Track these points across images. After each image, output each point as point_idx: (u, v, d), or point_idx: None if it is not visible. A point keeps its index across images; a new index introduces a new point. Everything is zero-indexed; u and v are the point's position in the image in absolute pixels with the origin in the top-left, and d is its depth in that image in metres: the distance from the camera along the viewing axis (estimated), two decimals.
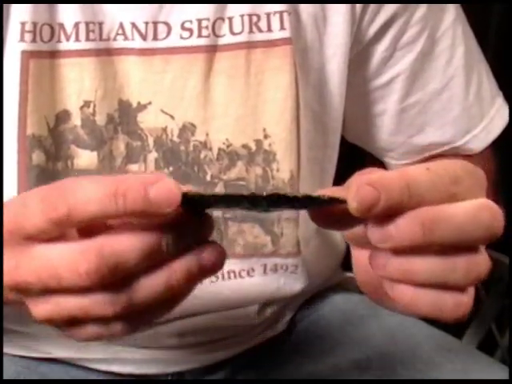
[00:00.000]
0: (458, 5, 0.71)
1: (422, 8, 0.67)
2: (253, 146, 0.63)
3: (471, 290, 0.39)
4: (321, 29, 0.65)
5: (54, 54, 0.59)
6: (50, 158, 0.60)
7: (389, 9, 0.66)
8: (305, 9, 0.64)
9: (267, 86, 0.62)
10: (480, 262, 0.38)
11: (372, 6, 0.66)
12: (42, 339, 0.68)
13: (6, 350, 0.68)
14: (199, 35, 0.61)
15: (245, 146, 0.63)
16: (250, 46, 0.62)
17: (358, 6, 0.65)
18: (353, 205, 0.36)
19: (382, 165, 0.79)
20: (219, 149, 0.62)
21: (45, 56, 0.59)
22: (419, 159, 0.75)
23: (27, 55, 0.58)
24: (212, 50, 0.62)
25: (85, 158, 0.61)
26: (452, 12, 0.70)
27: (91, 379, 0.69)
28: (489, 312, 1.09)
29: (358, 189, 0.36)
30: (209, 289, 0.65)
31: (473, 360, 0.70)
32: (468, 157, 0.75)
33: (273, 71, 0.62)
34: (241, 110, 0.62)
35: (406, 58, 0.69)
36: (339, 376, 0.69)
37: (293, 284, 0.68)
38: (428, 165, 0.38)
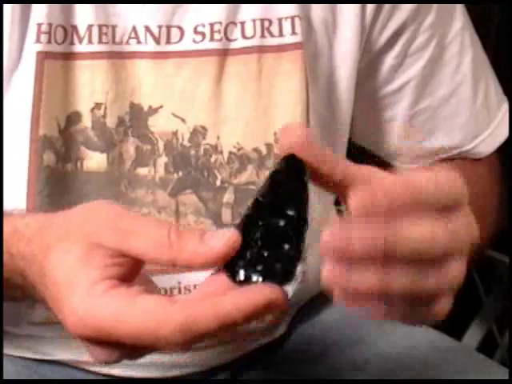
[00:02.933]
0: (464, 11, 0.71)
1: (432, 15, 0.67)
2: (264, 150, 0.63)
3: (445, 298, 0.40)
4: (331, 34, 0.65)
5: (67, 56, 0.59)
6: (59, 159, 0.60)
7: (399, 17, 0.66)
8: (316, 14, 0.64)
9: (278, 90, 0.62)
10: (450, 272, 0.39)
11: (382, 15, 0.66)
12: (42, 341, 0.67)
13: (5, 350, 0.68)
14: (211, 39, 0.61)
15: (256, 150, 0.63)
16: (261, 50, 0.62)
17: (369, 14, 0.65)
18: (355, 213, 0.38)
19: (383, 165, 0.79)
20: (230, 152, 0.62)
21: (59, 57, 0.59)
22: (428, 163, 0.75)
23: (42, 56, 0.58)
24: (224, 53, 0.61)
25: (95, 159, 0.60)
26: (460, 19, 0.70)
27: (91, 379, 0.69)
28: (489, 312, 1.09)
29: (360, 199, 0.38)
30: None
31: (471, 361, 0.70)
32: (476, 160, 0.75)
33: (284, 75, 0.62)
34: (252, 114, 0.62)
35: (415, 65, 0.69)
36: (337, 377, 0.69)
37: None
38: (431, 171, 0.39)
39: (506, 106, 0.75)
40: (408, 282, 0.38)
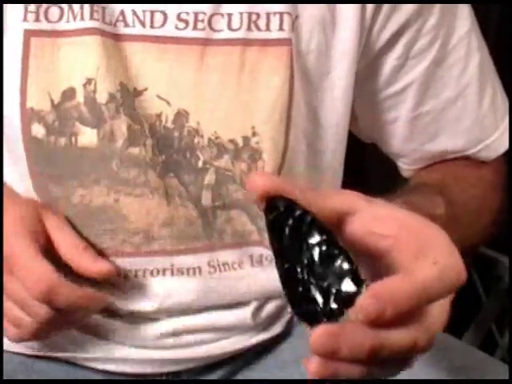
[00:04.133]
0: (472, 13, 0.70)
1: (435, 16, 0.67)
2: (240, 142, 0.63)
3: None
4: (329, 33, 0.64)
5: (57, 33, 0.60)
6: (51, 133, 0.61)
7: (399, 17, 0.66)
8: (311, 12, 0.63)
9: (260, 85, 0.62)
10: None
11: (382, 15, 0.65)
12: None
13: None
14: (194, 27, 0.61)
15: (232, 141, 0.63)
16: (246, 43, 0.62)
17: (368, 13, 0.64)
18: (358, 317, 0.37)
19: (381, 157, 0.78)
20: (209, 138, 0.63)
21: (47, 35, 0.60)
22: (431, 164, 0.75)
23: (29, 33, 0.60)
24: (205, 43, 0.61)
25: (87, 135, 0.61)
26: (467, 21, 0.69)
27: (88, 379, 0.69)
28: (489, 312, 1.09)
29: (364, 303, 0.37)
30: (209, 283, 0.65)
31: (472, 359, 0.70)
32: (480, 163, 0.74)
33: (267, 71, 0.62)
34: (231, 107, 0.62)
35: (418, 67, 0.68)
36: None
37: (276, 276, 0.67)
38: (436, 256, 0.39)
39: (507, 116, 0.74)
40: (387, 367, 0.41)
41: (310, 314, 0.39)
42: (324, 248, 0.39)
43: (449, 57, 0.69)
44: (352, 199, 0.43)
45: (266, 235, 0.68)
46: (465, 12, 0.69)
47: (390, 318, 0.37)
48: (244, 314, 0.68)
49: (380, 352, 0.38)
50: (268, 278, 0.67)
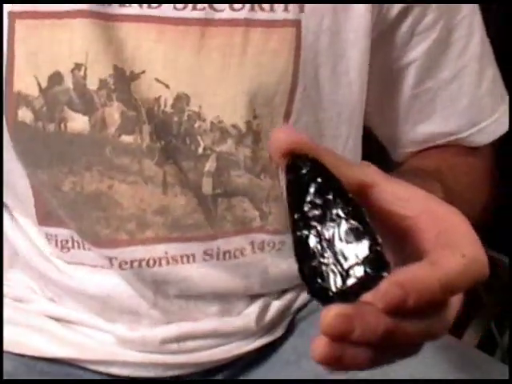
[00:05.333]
0: None
1: None
2: (243, 128, 0.61)
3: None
4: (340, 12, 0.61)
5: (44, 14, 0.57)
6: (40, 119, 0.59)
7: None
8: None
9: (263, 69, 0.59)
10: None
11: None
12: (38, 336, 0.68)
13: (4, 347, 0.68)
14: (194, 8, 0.58)
15: (234, 126, 0.61)
16: (249, 24, 0.59)
17: None
18: (378, 305, 0.34)
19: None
20: (211, 122, 0.60)
21: (32, 16, 0.57)
22: (423, 149, 0.74)
23: (14, 16, 0.57)
24: (205, 24, 0.58)
25: (78, 121, 0.59)
26: (470, 4, 0.68)
27: (90, 379, 0.69)
28: (489, 312, 1.09)
29: (386, 290, 0.34)
30: (201, 270, 0.64)
31: (472, 359, 0.70)
32: (471, 149, 0.74)
33: (271, 54, 0.59)
34: (232, 91, 0.59)
35: (421, 45, 0.67)
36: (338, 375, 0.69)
37: (279, 262, 0.67)
38: (463, 248, 0.37)
39: (507, 100, 0.74)
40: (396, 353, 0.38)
41: (324, 292, 0.35)
42: (350, 221, 0.36)
43: (450, 36, 0.68)
44: (373, 172, 0.39)
45: (269, 220, 0.66)
46: None
47: (410, 308, 0.34)
48: (248, 319, 0.68)
49: (393, 338, 0.35)
50: (271, 263, 0.66)
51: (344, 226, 0.36)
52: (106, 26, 0.57)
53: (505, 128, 0.73)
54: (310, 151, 0.37)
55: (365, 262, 0.35)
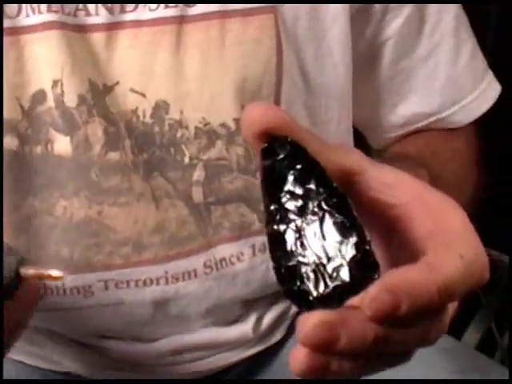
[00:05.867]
0: None
1: None
2: (232, 126, 0.58)
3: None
4: None
5: (19, 30, 0.54)
6: (25, 143, 0.55)
7: None
8: None
9: (245, 60, 0.57)
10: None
11: None
12: (50, 348, 0.67)
13: (10, 355, 0.67)
14: (166, 6, 0.55)
15: (223, 125, 0.58)
16: (224, 15, 0.56)
17: None
18: (367, 312, 0.30)
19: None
20: (196, 127, 0.57)
21: (8, 33, 0.54)
22: (403, 133, 0.72)
23: None
24: (181, 21, 0.56)
25: (61, 143, 0.56)
26: None
27: (92, 379, 0.69)
28: (488, 312, 1.09)
29: (376, 295, 0.30)
30: (205, 284, 0.62)
31: (471, 360, 0.69)
32: (452, 132, 0.71)
33: (251, 43, 0.57)
34: (216, 87, 0.57)
35: (395, 21, 0.65)
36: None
37: None
38: (461, 248, 0.33)
39: (490, 74, 0.71)
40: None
41: (303, 296, 0.31)
42: (334, 215, 0.31)
43: (422, 12, 0.66)
44: (358, 158, 0.35)
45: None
46: None
47: (403, 315, 0.30)
48: (245, 328, 0.67)
49: (384, 347, 0.31)
50: (268, 266, 0.63)
51: (328, 220, 0.31)
52: (79, 38, 0.55)
53: (487, 105, 0.71)
54: (290, 132, 0.33)
55: (351, 262, 0.31)
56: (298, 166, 0.32)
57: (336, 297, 0.31)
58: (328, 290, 0.31)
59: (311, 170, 0.32)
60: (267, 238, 0.32)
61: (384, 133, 0.73)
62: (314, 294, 0.31)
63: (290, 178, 0.32)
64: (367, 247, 0.31)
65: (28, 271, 0.36)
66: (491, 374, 0.66)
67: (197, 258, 0.61)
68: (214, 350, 0.67)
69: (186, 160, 0.58)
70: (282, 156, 0.32)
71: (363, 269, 0.31)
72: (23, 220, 0.58)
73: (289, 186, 0.32)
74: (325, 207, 0.32)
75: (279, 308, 0.70)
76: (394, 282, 0.30)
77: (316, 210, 0.32)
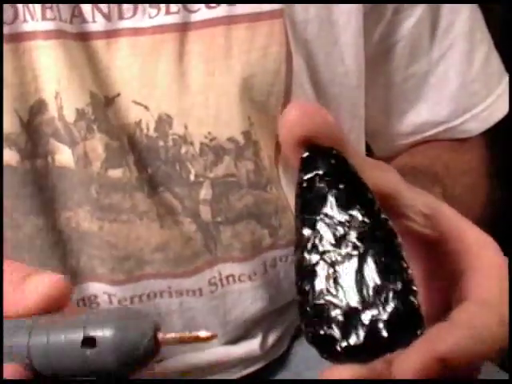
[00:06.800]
0: None
1: None
2: (241, 140, 0.55)
3: None
4: None
5: (17, 36, 0.51)
6: (25, 157, 0.53)
7: None
8: None
9: (253, 69, 0.54)
10: None
11: None
12: None
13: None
14: (167, 12, 0.52)
15: (231, 140, 0.55)
16: (230, 21, 0.53)
17: None
18: (404, 376, 0.26)
19: None
20: (201, 143, 0.54)
21: (5, 39, 0.51)
22: (409, 142, 0.69)
23: None
24: (183, 28, 0.53)
25: (64, 154, 0.53)
26: None
27: (94, 379, 0.68)
28: None
29: (423, 364, 0.26)
30: (211, 302, 0.60)
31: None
32: (463, 141, 0.69)
33: (259, 51, 0.54)
34: (222, 99, 0.54)
35: (405, 23, 0.63)
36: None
37: (292, 273, 0.64)
38: (500, 308, 0.29)
39: (506, 79, 0.69)
40: None
41: (327, 342, 0.26)
42: (377, 252, 0.26)
43: (435, 13, 0.64)
44: (394, 179, 0.31)
45: (279, 234, 0.59)
46: None
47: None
48: (252, 346, 0.65)
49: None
50: (284, 277, 0.61)
51: (370, 257, 0.26)
52: (79, 47, 0.52)
53: (500, 114, 0.68)
54: (335, 142, 0.28)
55: (392, 314, 0.26)
56: (342, 186, 0.27)
57: (367, 351, 0.26)
58: (359, 342, 0.26)
59: (357, 192, 0.27)
60: (294, 265, 0.28)
61: (390, 141, 0.70)
62: (343, 344, 0.26)
63: (331, 199, 0.27)
64: (412, 299, 0.26)
65: (167, 336, 0.31)
66: (491, 375, 0.66)
67: (200, 276, 0.59)
68: (221, 370, 0.65)
69: (192, 177, 0.55)
70: (323, 171, 0.27)
71: (405, 325, 0.26)
72: (26, 236, 0.56)
73: (328, 209, 0.27)
74: (368, 241, 0.27)
75: (286, 322, 0.67)
76: (444, 350, 0.27)
77: (357, 243, 0.27)
